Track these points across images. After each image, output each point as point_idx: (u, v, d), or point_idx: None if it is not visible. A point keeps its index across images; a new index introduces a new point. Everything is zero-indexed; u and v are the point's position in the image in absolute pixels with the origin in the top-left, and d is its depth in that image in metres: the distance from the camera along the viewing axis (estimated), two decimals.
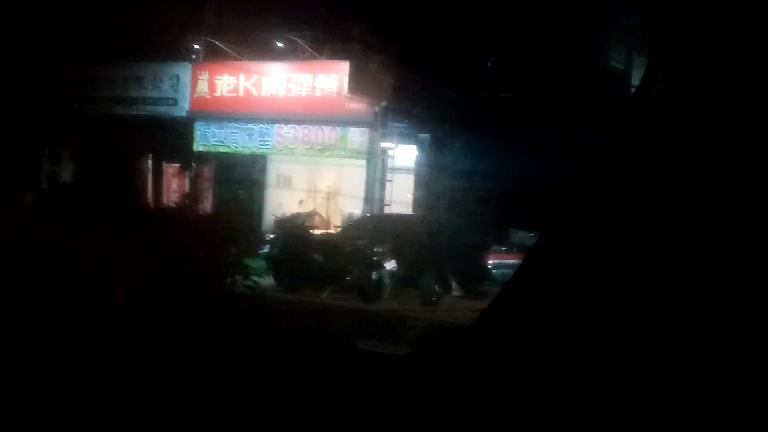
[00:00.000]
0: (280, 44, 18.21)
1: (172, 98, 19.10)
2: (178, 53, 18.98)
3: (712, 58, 2.09)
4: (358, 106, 17.03)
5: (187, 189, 18.35)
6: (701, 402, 1.92)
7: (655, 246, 2.06)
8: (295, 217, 15.52)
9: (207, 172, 18.86)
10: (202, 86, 18.78)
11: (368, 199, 17.19)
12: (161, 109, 19.12)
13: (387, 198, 17.14)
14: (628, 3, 12.71)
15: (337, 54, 17.33)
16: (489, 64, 16.73)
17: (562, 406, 2.07)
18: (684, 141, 2.10)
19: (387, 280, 13.12)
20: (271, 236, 15.01)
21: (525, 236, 13.75)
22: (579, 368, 2.08)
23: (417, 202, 16.97)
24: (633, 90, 16.17)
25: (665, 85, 2.19)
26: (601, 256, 2.15)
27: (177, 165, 19.03)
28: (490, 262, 13.46)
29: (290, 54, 18.03)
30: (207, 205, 16.92)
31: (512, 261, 13.02)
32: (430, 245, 13.56)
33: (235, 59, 18.31)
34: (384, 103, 16.81)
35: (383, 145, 17.12)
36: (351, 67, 16.71)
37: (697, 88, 2.12)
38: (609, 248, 2.14)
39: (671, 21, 2.19)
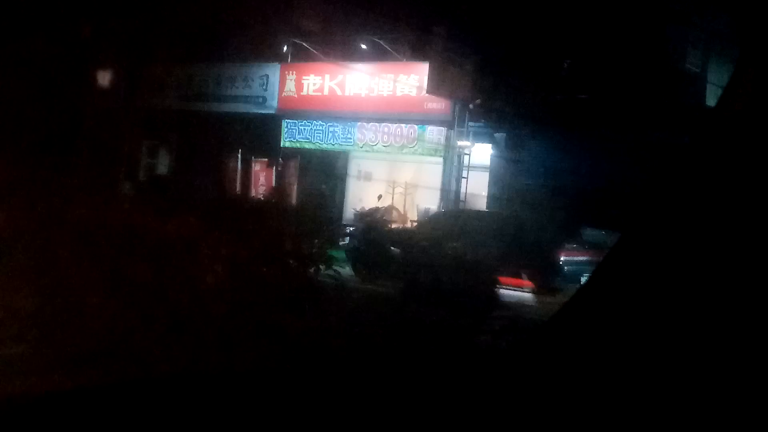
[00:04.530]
0: (363, 46, 18.85)
1: (261, 97, 19.84)
2: (268, 54, 19.70)
3: None
4: (437, 105, 17.45)
5: (273, 183, 19.28)
6: None
7: (744, 248, 1.98)
8: (373, 211, 15.88)
9: (292, 166, 19.72)
10: (290, 86, 19.49)
11: (444, 194, 17.60)
12: (251, 107, 19.89)
13: (462, 194, 17.50)
14: (710, 7, 12.64)
15: (417, 55, 17.82)
16: (566, 65, 16.85)
17: (641, 404, 2.01)
18: None
19: None
20: (351, 229, 15.51)
21: (597, 234, 13.75)
22: (657, 366, 2.03)
23: (491, 199, 17.28)
24: (708, 92, 16.06)
25: (753, 86, 2.13)
26: (688, 257, 2.06)
27: (265, 160, 19.96)
28: (562, 258, 13.60)
29: (373, 55, 18.54)
30: (292, 198, 17.73)
31: (584, 258, 13.19)
32: (503, 241, 13.67)
33: (321, 60, 19.00)
34: (462, 103, 17.22)
35: (460, 143, 17.46)
36: (430, 67, 17.14)
37: None
38: (696, 250, 2.05)
39: (761, 25, 2.16)
